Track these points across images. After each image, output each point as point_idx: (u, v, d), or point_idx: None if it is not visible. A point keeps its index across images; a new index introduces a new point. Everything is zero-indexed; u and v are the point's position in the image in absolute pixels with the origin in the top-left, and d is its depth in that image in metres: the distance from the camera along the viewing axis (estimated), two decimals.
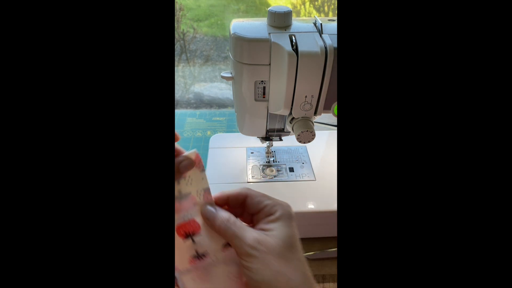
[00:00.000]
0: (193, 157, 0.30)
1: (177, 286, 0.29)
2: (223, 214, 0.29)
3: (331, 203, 0.51)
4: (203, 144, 0.74)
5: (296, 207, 0.50)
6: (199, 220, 0.30)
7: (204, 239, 0.30)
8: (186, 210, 0.30)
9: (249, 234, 0.28)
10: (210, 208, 0.30)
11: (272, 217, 0.29)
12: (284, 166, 0.59)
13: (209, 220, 0.30)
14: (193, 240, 0.30)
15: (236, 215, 0.30)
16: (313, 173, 0.57)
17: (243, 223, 0.29)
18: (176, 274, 0.29)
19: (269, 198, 0.31)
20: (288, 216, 0.29)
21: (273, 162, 0.59)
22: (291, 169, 0.58)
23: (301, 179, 0.56)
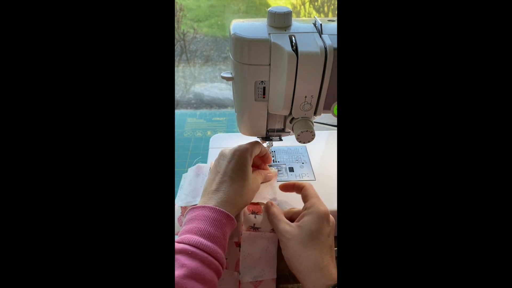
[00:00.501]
0: (274, 173, 0.52)
1: (239, 242, 0.46)
2: (274, 210, 0.45)
3: (331, 203, 0.51)
4: (203, 144, 0.74)
5: (296, 207, 0.50)
6: (263, 207, 0.48)
7: (261, 219, 0.47)
8: (258, 199, 0.49)
9: (282, 226, 0.42)
10: (269, 203, 0.47)
11: (306, 211, 0.42)
12: (284, 166, 0.59)
13: (266, 210, 0.46)
14: (255, 216, 0.47)
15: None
16: (313, 173, 0.57)
17: (284, 218, 0.44)
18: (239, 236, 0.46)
19: (315, 196, 0.44)
20: (318, 215, 0.41)
21: (273, 162, 0.59)
22: (291, 169, 0.58)
23: (301, 179, 0.56)
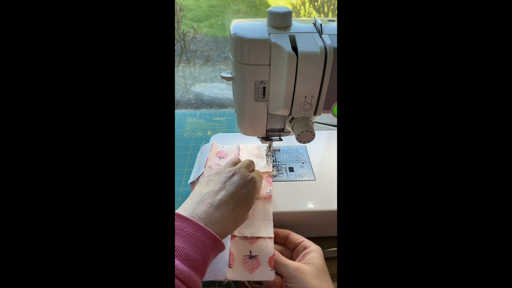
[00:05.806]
0: (268, 175, 0.55)
1: None
2: (279, 258, 0.43)
3: (331, 203, 0.51)
4: (203, 144, 0.74)
5: (296, 207, 0.50)
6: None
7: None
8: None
9: (294, 265, 0.42)
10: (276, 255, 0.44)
11: (308, 250, 0.44)
12: (284, 166, 0.59)
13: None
14: None
15: (280, 247, 0.48)
16: (313, 173, 0.57)
17: (289, 260, 0.43)
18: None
19: (301, 236, 0.47)
20: (319, 252, 0.44)
21: (273, 162, 0.59)
22: (291, 169, 0.58)
23: (301, 179, 0.56)
